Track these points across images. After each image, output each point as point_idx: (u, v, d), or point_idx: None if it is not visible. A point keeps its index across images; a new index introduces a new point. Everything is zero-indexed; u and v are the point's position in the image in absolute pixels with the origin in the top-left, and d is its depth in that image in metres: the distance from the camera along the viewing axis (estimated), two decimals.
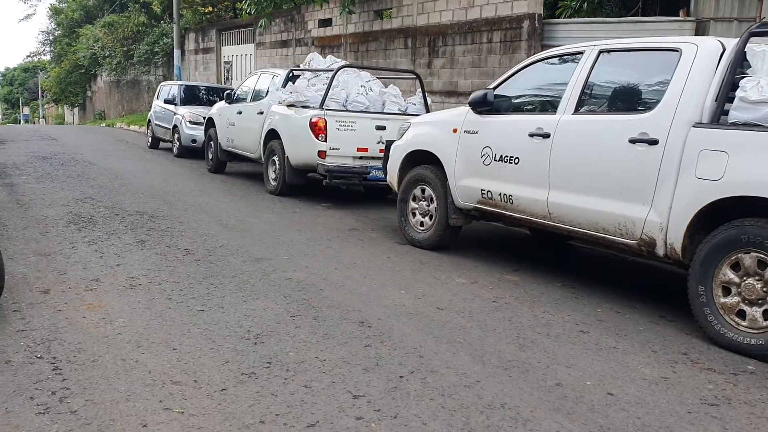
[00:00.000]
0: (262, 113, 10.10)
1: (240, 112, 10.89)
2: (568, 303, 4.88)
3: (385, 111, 9.22)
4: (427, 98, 9.56)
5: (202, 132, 14.16)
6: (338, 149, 8.67)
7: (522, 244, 7.23)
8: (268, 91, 10.33)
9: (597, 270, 6.29)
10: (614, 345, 4.05)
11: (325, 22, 17.94)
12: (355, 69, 9.68)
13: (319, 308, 4.54)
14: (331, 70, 9.33)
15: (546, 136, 5.12)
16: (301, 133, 8.84)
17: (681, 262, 4.36)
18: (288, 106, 9.31)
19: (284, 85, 9.83)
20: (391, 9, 15.15)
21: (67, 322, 4.17)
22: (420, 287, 5.15)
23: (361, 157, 8.88)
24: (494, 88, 5.75)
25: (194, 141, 14.49)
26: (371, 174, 8.72)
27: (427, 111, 9.43)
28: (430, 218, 6.42)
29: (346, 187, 8.87)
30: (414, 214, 6.61)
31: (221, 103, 12.06)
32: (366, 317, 4.38)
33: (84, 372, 3.47)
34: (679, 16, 9.64)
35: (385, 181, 8.54)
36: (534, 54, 11.43)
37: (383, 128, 8.90)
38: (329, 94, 8.77)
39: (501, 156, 5.51)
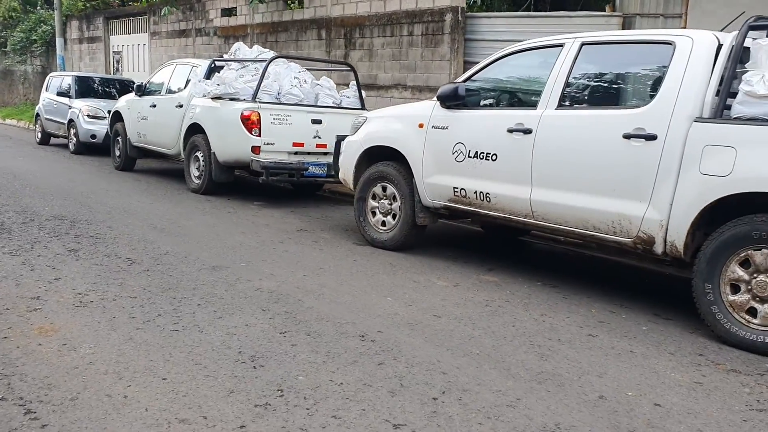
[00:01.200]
0: (181, 106, 9.42)
1: (154, 106, 10.13)
2: (559, 304, 4.72)
3: (318, 104, 8.81)
4: (363, 92, 9.20)
5: (103, 126, 13.25)
6: (273, 144, 8.20)
7: (477, 241, 7.06)
8: (187, 82, 9.65)
9: (564, 266, 6.20)
10: (630, 349, 3.90)
11: (229, 12, 17.18)
12: (285, 60, 9.17)
13: (307, 322, 4.14)
14: (261, 61, 8.82)
15: (527, 131, 4.93)
16: (231, 128, 8.29)
17: (680, 260, 4.29)
18: (213, 98, 8.70)
19: (207, 77, 9.20)
20: None
21: (20, 352, 3.57)
22: (404, 292, 4.84)
23: (296, 153, 8.45)
24: (464, 82, 5.49)
25: (93, 136, 13.48)
26: (309, 170, 8.29)
27: (362, 104, 9.11)
28: (394, 217, 6.11)
29: (283, 184, 8.37)
30: (374, 214, 6.28)
31: (130, 96, 11.22)
32: (364, 330, 4.02)
33: (65, 414, 2.93)
34: (605, 11, 9.79)
35: (323, 177, 8.20)
36: (458, 47, 11.37)
37: (319, 122, 8.50)
38: (261, 85, 8.26)
39: (476, 152, 5.28)
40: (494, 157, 5.15)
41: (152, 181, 10.19)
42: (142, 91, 10.64)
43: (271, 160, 8.07)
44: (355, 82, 9.12)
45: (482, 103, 5.58)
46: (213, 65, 9.38)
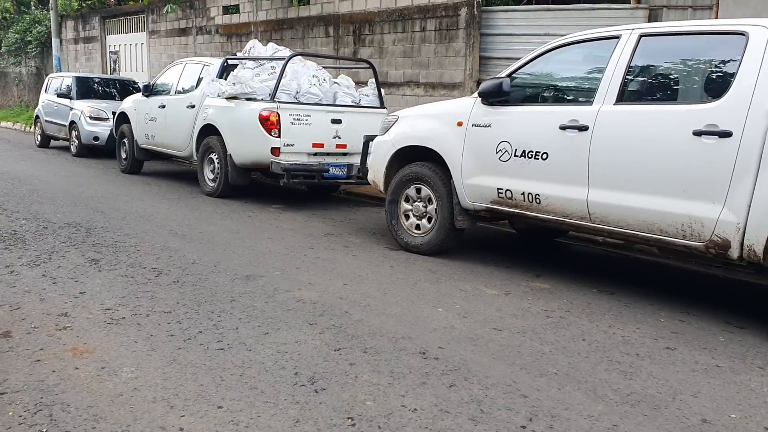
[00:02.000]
0: (193, 107, 9.09)
1: (163, 106, 9.79)
2: (624, 313, 4.43)
3: (337, 103, 8.49)
4: (382, 90, 8.88)
5: (106, 128, 12.92)
6: (293, 145, 7.88)
7: (511, 243, 6.77)
8: (198, 82, 9.31)
9: (613, 270, 5.91)
10: (715, 363, 3.61)
11: (231, 9, 16.82)
12: (302, 58, 8.85)
13: (360, 337, 3.84)
14: (278, 59, 8.50)
15: (583, 128, 4.63)
16: (249, 129, 7.97)
17: (758, 265, 4.00)
18: (228, 98, 8.38)
19: (220, 76, 8.87)
20: None
21: (57, 377, 3.25)
22: (454, 302, 4.54)
23: (315, 153, 8.13)
24: (508, 77, 5.19)
25: (96, 138, 13.14)
26: (329, 171, 7.98)
27: (382, 102, 8.80)
28: (429, 221, 5.81)
29: (303, 186, 8.05)
30: (408, 217, 5.98)
31: (136, 96, 10.87)
32: (423, 346, 3.72)
33: None
34: (629, 3, 9.50)
35: (343, 179, 7.89)
36: (473, 42, 11.08)
37: (339, 122, 8.19)
38: (280, 85, 7.93)
39: (523, 151, 4.98)
40: (545, 156, 4.85)
41: (162, 185, 9.85)
42: (150, 91, 10.30)
43: (292, 162, 7.75)
44: (374, 80, 8.79)
45: (526, 99, 5.27)
46: (226, 64, 9.04)
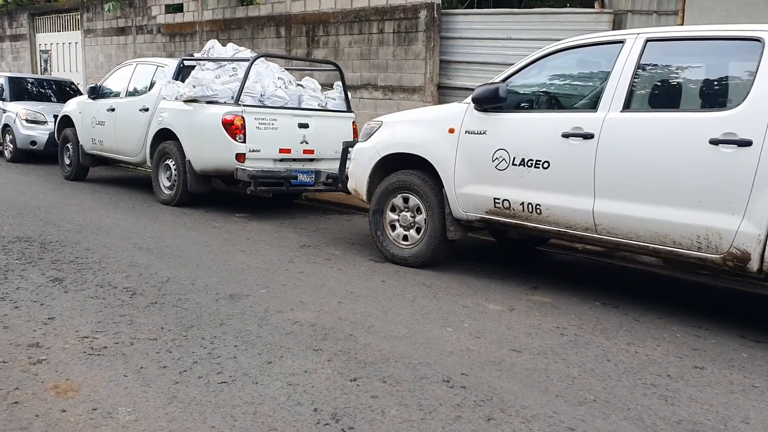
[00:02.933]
0: (147, 110, 8.58)
1: (112, 109, 9.23)
2: (637, 329, 4.27)
3: (303, 107, 8.14)
4: (348, 93, 8.57)
5: (44, 132, 12.22)
6: (259, 151, 7.50)
7: (493, 252, 6.58)
8: (152, 84, 8.80)
9: (606, 280, 5.77)
10: (750, 383, 3.47)
11: (175, 8, 16.20)
12: (264, 60, 8.45)
13: (374, 364, 3.54)
14: (240, 60, 8.09)
15: (587, 136, 4.45)
16: (211, 134, 7.55)
17: None
18: (186, 101, 7.92)
19: (176, 77, 8.40)
20: None
21: (43, 423, 2.85)
22: (461, 321, 4.29)
23: (282, 159, 7.77)
24: (504, 81, 4.98)
25: (34, 143, 12.40)
26: (297, 178, 7.63)
27: (349, 106, 8.49)
28: (418, 231, 5.55)
29: (271, 194, 7.68)
30: (394, 227, 5.70)
31: (81, 98, 10.25)
32: (445, 373, 3.45)
33: None
34: (593, 8, 9.47)
35: (311, 186, 7.57)
36: (434, 45, 10.88)
37: (306, 126, 7.86)
38: (244, 87, 7.54)
39: (522, 160, 4.77)
40: (546, 165, 4.65)
41: (112, 192, 9.28)
42: (97, 93, 9.70)
43: (258, 169, 7.36)
44: (340, 83, 8.47)
45: (523, 105, 5.07)
46: (182, 65, 8.56)
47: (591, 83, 4.72)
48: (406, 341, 3.88)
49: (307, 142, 7.85)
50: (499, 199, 4.93)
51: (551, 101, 5.03)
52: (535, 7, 10.74)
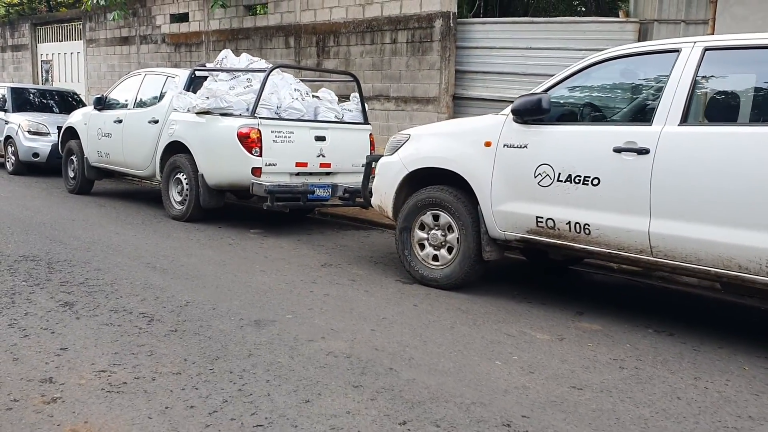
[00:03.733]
0: (156, 122, 8.26)
1: (120, 121, 8.91)
2: (700, 360, 3.94)
3: (320, 119, 7.83)
4: (365, 105, 8.26)
5: (46, 144, 11.92)
6: (275, 165, 7.19)
7: (524, 271, 6.25)
8: (161, 95, 8.49)
9: (652, 303, 5.45)
10: None
11: (180, 17, 15.92)
12: (279, 70, 8.15)
13: (422, 404, 3.20)
14: (255, 71, 7.78)
15: (642, 151, 4.13)
16: (225, 147, 7.23)
17: None
18: (199, 113, 7.61)
19: (187, 88, 8.09)
20: (267, 4, 13.57)
21: None
22: (509, 353, 3.95)
23: (298, 174, 7.45)
24: (546, 92, 4.67)
25: (36, 155, 12.08)
26: (315, 193, 7.31)
27: (366, 118, 8.18)
28: (449, 251, 5.22)
29: (288, 209, 7.35)
30: (423, 246, 5.37)
31: (87, 110, 9.94)
32: (504, 415, 3.12)
33: None
34: (618, 17, 9.19)
35: (327, 200, 7.26)
36: (449, 55, 10.59)
37: (323, 139, 7.54)
38: (260, 99, 7.23)
39: (569, 176, 4.46)
40: (596, 182, 4.33)
41: (119, 207, 8.95)
42: (103, 104, 9.39)
43: (275, 183, 7.04)
44: (357, 94, 8.17)
45: (566, 117, 4.77)
46: (193, 76, 8.25)
47: (643, 95, 4.41)
48: (453, 377, 3.55)
49: (324, 156, 7.54)
50: (542, 217, 4.60)
51: (599, 113, 4.72)
52: (543, 16, 10.44)
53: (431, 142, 5.33)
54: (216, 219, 8.05)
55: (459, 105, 10.67)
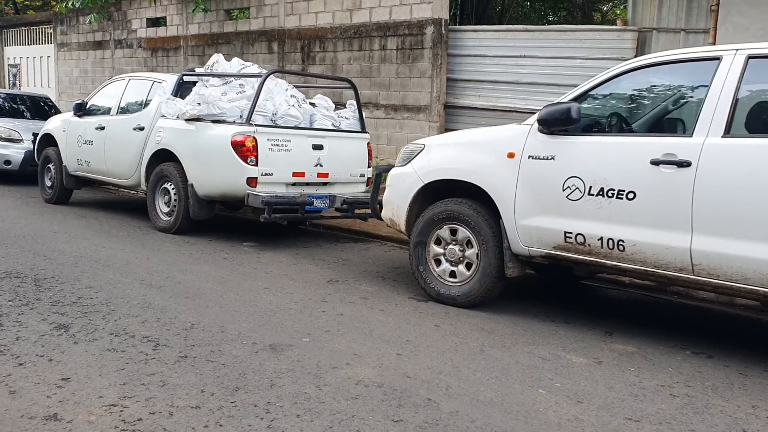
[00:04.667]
0: (142, 129, 7.88)
1: (102, 128, 8.51)
2: (753, 387, 3.73)
3: (316, 127, 7.53)
4: (363, 112, 7.98)
5: (19, 151, 11.44)
6: (271, 174, 6.87)
7: (535, 286, 6.02)
8: (147, 101, 8.11)
9: (676, 321, 5.25)
10: None
11: (157, 21, 15.49)
12: (273, 76, 7.82)
13: None
14: (248, 76, 7.46)
15: (683, 164, 3.93)
16: (218, 155, 6.90)
17: None
18: (188, 120, 7.26)
19: (175, 94, 7.73)
20: (249, 8, 13.23)
21: None
22: (550, 378, 3.70)
23: (294, 184, 7.14)
24: (576, 101, 4.44)
25: (8, 162, 11.58)
26: (313, 204, 7.01)
27: (363, 126, 7.90)
28: (468, 267, 4.96)
29: (285, 222, 7.04)
30: (439, 262, 5.11)
31: (66, 116, 9.50)
32: None
33: None
34: (616, 25, 9.06)
35: (323, 212, 6.97)
36: (441, 63, 10.36)
37: (320, 147, 7.25)
38: (256, 106, 6.91)
39: (601, 189, 4.23)
40: (631, 195, 4.11)
41: (101, 218, 8.53)
42: (84, 110, 8.96)
43: (272, 194, 6.71)
44: (354, 101, 7.89)
45: (596, 127, 4.56)
46: (181, 81, 7.89)
47: (680, 105, 4.22)
48: (498, 408, 3.28)
49: (321, 165, 7.24)
50: (571, 233, 4.37)
51: (630, 124, 4.51)
52: (518, 24, 10.29)
53: (448, 152, 5.07)
54: (205, 231, 7.70)
55: (451, 114, 10.46)
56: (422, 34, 10.55)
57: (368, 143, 7.82)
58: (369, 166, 7.82)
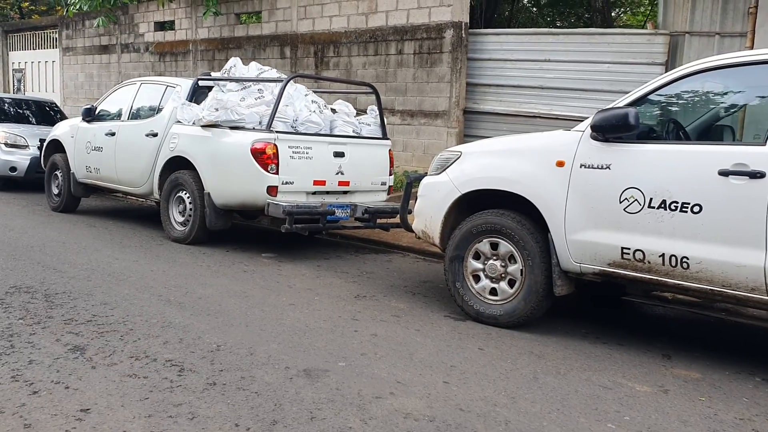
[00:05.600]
0: (155, 135, 7.57)
1: (112, 134, 8.20)
2: None
3: (337, 133, 7.22)
4: (384, 118, 7.67)
5: (24, 157, 11.13)
6: (292, 183, 6.55)
7: (575, 301, 5.68)
8: (160, 106, 7.80)
9: (731, 340, 4.92)
10: None
11: (165, 25, 15.21)
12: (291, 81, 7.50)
13: None
14: (267, 80, 7.15)
15: (756, 175, 3.60)
16: (237, 163, 6.59)
17: None
18: (204, 126, 6.94)
19: (190, 99, 7.41)
20: (260, 12, 12.94)
21: None
22: (616, 411, 3.36)
23: (314, 193, 6.81)
24: (632, 106, 4.12)
25: (14, 169, 11.27)
26: (334, 214, 6.68)
27: (384, 132, 7.59)
28: (510, 284, 4.62)
29: (306, 232, 6.72)
30: (478, 278, 4.77)
31: (74, 121, 9.19)
32: None
33: None
34: (646, 29, 8.76)
35: (338, 221, 6.65)
36: (460, 67, 10.05)
37: (342, 155, 6.93)
38: (276, 112, 6.60)
39: (663, 202, 3.91)
40: (696, 209, 3.79)
41: (111, 227, 8.21)
42: (93, 115, 8.65)
43: (293, 203, 6.39)
44: (376, 107, 7.57)
45: (656, 134, 4.23)
46: (196, 85, 7.58)
47: (750, 111, 3.88)
48: None
49: (342, 173, 6.93)
50: (628, 248, 4.04)
51: (693, 131, 4.18)
52: (529, 27, 10.00)
53: (489, 160, 4.75)
54: (221, 241, 7.37)
55: (470, 119, 10.16)
56: (441, 37, 10.25)
57: (390, 150, 7.49)
58: (390, 174, 7.50)
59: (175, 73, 14.77)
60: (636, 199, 4.00)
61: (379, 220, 7.07)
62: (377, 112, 7.55)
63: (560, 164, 4.33)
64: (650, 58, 8.27)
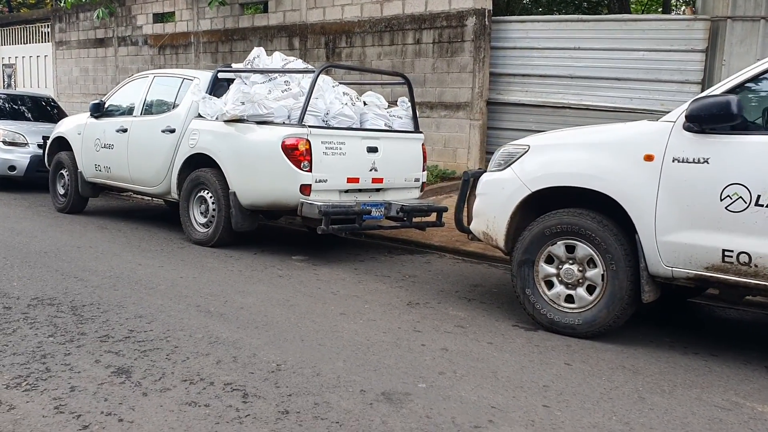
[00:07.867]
0: (173, 131, 7.10)
1: (124, 130, 7.71)
2: None
3: (369, 127, 6.79)
4: (416, 110, 7.24)
5: (24, 155, 10.62)
6: (326, 181, 6.12)
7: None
8: (176, 100, 7.33)
9: None
10: None
11: (164, 17, 14.68)
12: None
13: None
14: (295, 71, 6.72)
15: None
16: (267, 160, 6.15)
17: None
18: (227, 121, 6.49)
19: (211, 92, 6.95)
20: (266, 3, 12.45)
21: None
22: None
23: (347, 191, 6.39)
24: (731, 93, 3.72)
25: (13, 168, 10.75)
26: (370, 213, 6.26)
27: (416, 126, 7.16)
28: (589, 291, 4.22)
29: (344, 234, 6.29)
30: (551, 284, 4.37)
31: (81, 117, 8.70)
32: None
33: None
34: (684, 14, 8.37)
35: (376, 220, 6.24)
36: (483, 56, 9.63)
37: (375, 150, 6.52)
38: (308, 105, 6.15)
39: None
40: None
41: (124, 229, 7.75)
42: (102, 111, 8.17)
43: (327, 202, 5.96)
44: (407, 99, 7.15)
45: (760, 125, 3.83)
46: (216, 78, 7.11)
47: None
48: None
49: (376, 169, 6.51)
50: (731, 251, 3.65)
51: None
52: (558, 13, 9.61)
53: (562, 154, 4.34)
54: (246, 243, 6.93)
55: (494, 111, 9.76)
56: (462, 26, 9.82)
57: (423, 144, 7.07)
58: (424, 170, 7.08)
59: (175, 67, 14.25)
60: (740, 196, 3.61)
61: (415, 219, 6.66)
62: (408, 104, 7.11)
63: (649, 158, 3.92)
64: (689, 45, 7.89)
